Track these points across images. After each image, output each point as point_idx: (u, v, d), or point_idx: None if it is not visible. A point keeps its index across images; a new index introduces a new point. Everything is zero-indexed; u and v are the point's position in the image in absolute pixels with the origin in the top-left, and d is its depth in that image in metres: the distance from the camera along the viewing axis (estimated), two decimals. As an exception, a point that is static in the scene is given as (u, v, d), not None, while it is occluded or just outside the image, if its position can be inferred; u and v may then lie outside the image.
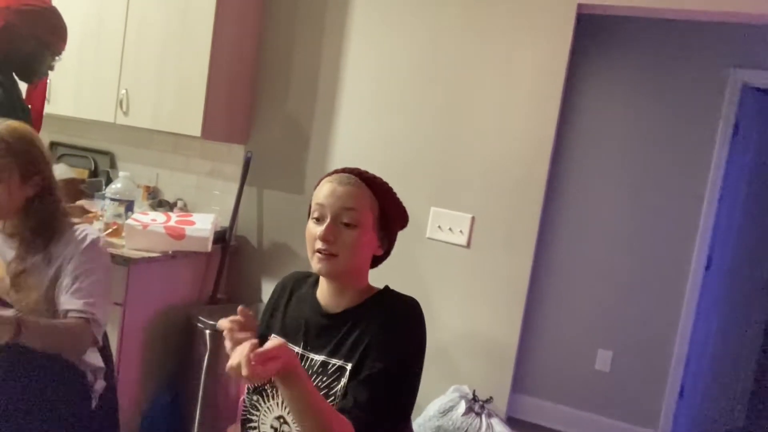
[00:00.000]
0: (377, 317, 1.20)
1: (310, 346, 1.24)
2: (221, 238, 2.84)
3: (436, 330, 2.63)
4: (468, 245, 2.59)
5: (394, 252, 1.36)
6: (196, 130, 2.67)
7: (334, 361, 1.20)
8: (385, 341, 1.16)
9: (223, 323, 1.08)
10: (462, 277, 2.61)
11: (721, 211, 3.40)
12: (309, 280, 1.37)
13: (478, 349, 2.58)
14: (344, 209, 1.21)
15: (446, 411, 2.43)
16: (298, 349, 1.25)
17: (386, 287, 1.30)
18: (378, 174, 1.27)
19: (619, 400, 3.53)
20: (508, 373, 2.54)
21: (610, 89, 3.50)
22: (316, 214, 1.24)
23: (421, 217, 2.65)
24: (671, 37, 3.38)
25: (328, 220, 1.21)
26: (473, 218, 2.58)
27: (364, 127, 2.77)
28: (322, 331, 1.25)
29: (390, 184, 1.30)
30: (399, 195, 1.32)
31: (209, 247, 2.62)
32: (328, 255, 1.20)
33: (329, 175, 1.28)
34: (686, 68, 3.36)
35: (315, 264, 1.22)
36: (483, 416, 2.41)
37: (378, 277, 1.42)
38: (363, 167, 1.30)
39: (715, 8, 2.25)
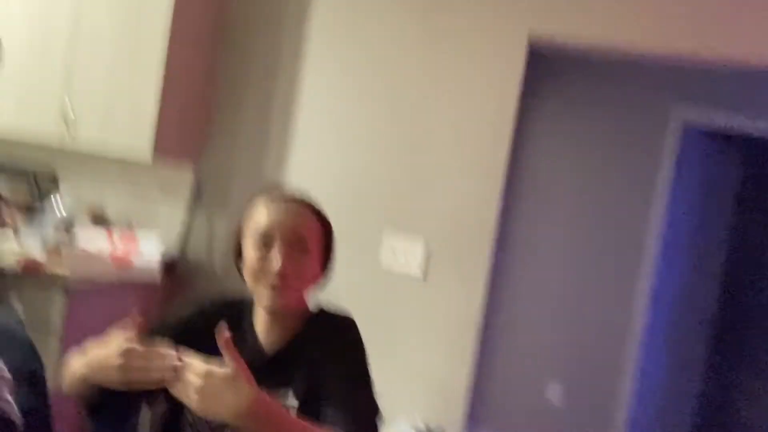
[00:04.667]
0: (319, 347, 1.14)
1: None
2: (170, 263, 2.74)
3: (390, 363, 2.59)
4: (423, 278, 2.58)
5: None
6: (145, 150, 2.58)
7: (281, 401, 1.12)
8: (335, 370, 1.12)
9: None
10: (416, 308, 2.59)
11: (666, 246, 3.52)
12: (243, 310, 1.22)
13: (431, 381, 2.56)
14: (297, 235, 1.13)
15: (400, 445, 2.38)
16: None
17: (321, 309, 1.22)
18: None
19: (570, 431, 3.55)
20: (460, 406, 2.52)
21: (561, 128, 3.61)
22: (260, 241, 1.13)
23: (375, 246, 2.63)
24: (618, 78, 3.52)
25: (282, 249, 1.11)
26: (428, 250, 2.58)
27: (320, 152, 2.75)
28: (265, 372, 1.12)
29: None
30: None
31: (157, 274, 2.52)
32: (285, 288, 1.11)
33: (265, 196, 1.18)
34: (632, 107, 3.50)
35: (266, 299, 1.12)
36: (437, 450, 2.38)
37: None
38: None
39: (658, 48, 2.34)
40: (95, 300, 2.37)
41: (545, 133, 3.62)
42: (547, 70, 3.60)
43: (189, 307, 1.26)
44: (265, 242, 1.13)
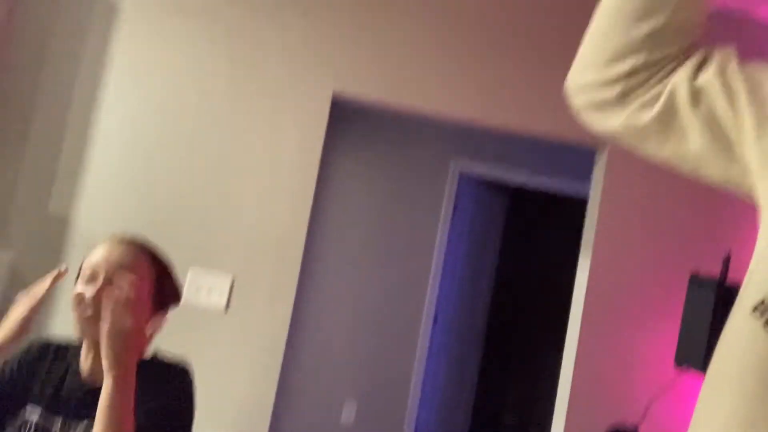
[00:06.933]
0: (146, 385, 1.14)
1: (71, 417, 1.15)
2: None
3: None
4: (226, 308, 2.63)
5: None
6: None
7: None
8: (151, 403, 1.13)
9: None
10: (220, 340, 2.62)
11: (445, 276, 4.00)
12: (71, 348, 1.24)
13: (233, 411, 2.60)
14: (120, 268, 1.15)
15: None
16: (59, 420, 1.16)
17: (155, 355, 1.27)
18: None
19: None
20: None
21: (362, 170, 3.94)
22: (86, 274, 1.16)
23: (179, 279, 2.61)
24: (408, 129, 3.96)
25: (101, 279, 1.14)
26: (233, 279, 2.63)
27: (117, 188, 2.66)
28: (83, 402, 1.15)
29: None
30: None
31: None
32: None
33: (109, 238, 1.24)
34: (419, 156, 3.96)
35: (79, 328, 1.15)
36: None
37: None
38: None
39: (439, 110, 2.74)
40: None
41: (348, 176, 3.92)
42: (351, 121, 3.91)
43: (26, 353, 1.23)
44: (92, 275, 1.16)
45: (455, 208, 3.99)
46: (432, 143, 3.98)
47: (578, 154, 3.04)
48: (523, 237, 4.97)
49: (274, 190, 2.68)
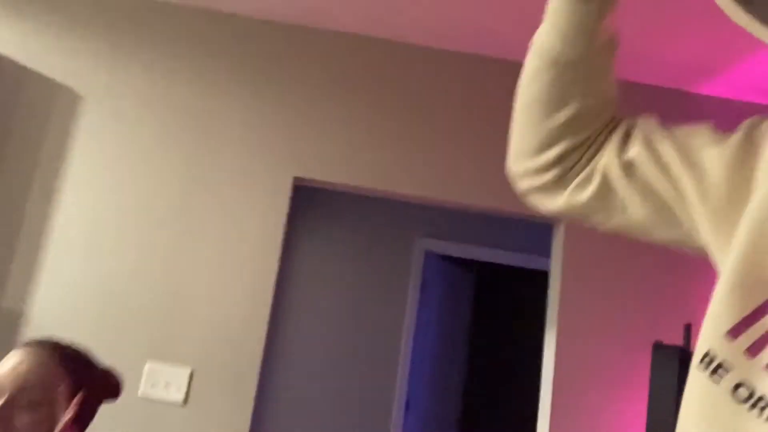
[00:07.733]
0: None
1: None
2: None
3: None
4: (185, 402, 2.52)
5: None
6: None
7: None
8: None
9: None
10: (177, 436, 2.50)
11: (415, 359, 3.92)
12: None
13: None
14: (24, 389, 1.06)
15: None
16: None
17: None
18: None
19: None
20: None
21: (326, 252, 3.93)
22: None
23: (134, 374, 2.52)
24: (373, 210, 4.00)
25: (2, 400, 1.05)
26: (192, 372, 2.55)
27: (73, 282, 2.60)
28: None
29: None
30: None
31: None
32: None
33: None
34: (384, 237, 3.98)
35: None
36: None
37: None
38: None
39: (396, 191, 2.79)
40: None
41: (313, 259, 3.90)
42: (316, 203, 3.95)
43: None
44: None
45: (423, 286, 3.98)
46: (396, 223, 4.02)
47: (539, 229, 3.10)
48: (493, 313, 4.94)
49: (233, 279, 2.65)
